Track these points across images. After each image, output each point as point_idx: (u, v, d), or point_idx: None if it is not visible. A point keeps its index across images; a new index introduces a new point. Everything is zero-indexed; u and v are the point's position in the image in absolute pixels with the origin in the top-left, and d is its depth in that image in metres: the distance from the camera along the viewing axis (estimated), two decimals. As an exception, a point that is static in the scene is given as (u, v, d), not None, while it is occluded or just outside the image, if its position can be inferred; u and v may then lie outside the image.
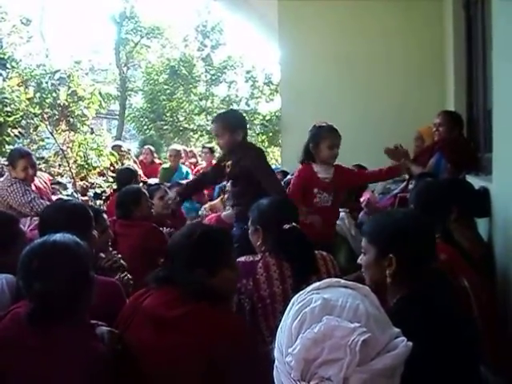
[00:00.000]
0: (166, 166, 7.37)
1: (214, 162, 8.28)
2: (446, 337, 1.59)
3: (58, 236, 1.87)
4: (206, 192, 7.13)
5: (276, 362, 1.04)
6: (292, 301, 1.06)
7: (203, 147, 8.61)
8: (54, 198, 4.79)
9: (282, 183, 4.72)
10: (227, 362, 1.85)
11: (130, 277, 2.82)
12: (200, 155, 8.36)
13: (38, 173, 4.89)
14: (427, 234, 1.88)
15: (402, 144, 4.30)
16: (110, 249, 3.00)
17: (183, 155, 8.23)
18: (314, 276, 2.44)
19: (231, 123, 3.88)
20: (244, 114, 5.20)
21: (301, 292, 1.06)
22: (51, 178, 6.01)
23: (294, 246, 2.50)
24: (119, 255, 2.97)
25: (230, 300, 2.35)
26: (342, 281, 1.07)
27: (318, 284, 1.06)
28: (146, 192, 4.06)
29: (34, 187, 4.50)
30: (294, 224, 2.56)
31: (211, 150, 8.45)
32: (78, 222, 2.37)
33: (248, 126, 4.62)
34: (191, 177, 7.12)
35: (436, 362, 1.49)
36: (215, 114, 5.54)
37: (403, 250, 1.78)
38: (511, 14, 2.69)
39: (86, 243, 1.96)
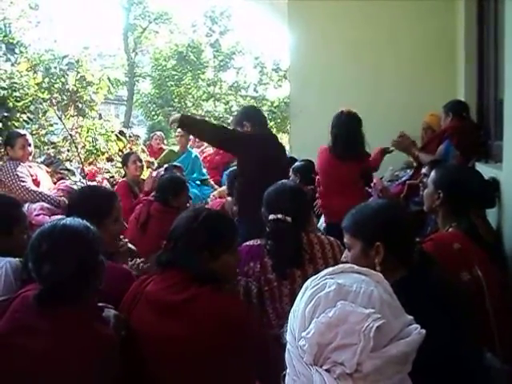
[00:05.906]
0: (175, 149, 7.30)
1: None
2: (437, 319, 1.59)
3: (68, 220, 1.89)
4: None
5: (288, 345, 1.04)
6: (305, 285, 1.07)
7: None
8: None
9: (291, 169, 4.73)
10: (231, 346, 1.86)
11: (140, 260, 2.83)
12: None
13: (38, 165, 4.97)
14: (405, 218, 1.99)
15: (410, 132, 4.32)
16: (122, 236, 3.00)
17: (191, 141, 8.21)
18: (297, 270, 2.45)
19: None
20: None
21: (314, 277, 1.07)
22: (57, 164, 6.04)
23: (272, 238, 2.49)
24: (126, 239, 2.97)
25: (232, 284, 2.35)
26: (356, 267, 1.07)
27: (331, 269, 1.06)
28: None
29: (28, 171, 4.55)
30: (279, 216, 2.49)
31: None
32: (100, 208, 2.42)
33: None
34: (201, 161, 7.05)
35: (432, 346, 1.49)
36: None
37: (389, 235, 1.84)
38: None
39: (100, 230, 1.98)
